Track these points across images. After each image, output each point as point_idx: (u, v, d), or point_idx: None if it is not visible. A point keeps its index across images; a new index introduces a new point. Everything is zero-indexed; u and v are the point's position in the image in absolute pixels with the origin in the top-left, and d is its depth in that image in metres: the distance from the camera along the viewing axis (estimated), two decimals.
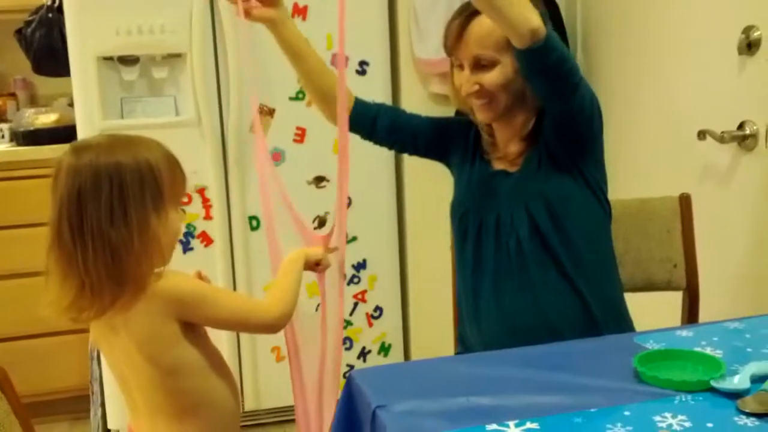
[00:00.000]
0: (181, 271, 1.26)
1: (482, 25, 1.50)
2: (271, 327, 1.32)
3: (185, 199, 1.24)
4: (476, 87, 1.52)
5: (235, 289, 2.56)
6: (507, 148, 1.60)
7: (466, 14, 1.52)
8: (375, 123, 1.71)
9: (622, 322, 1.60)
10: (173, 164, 1.23)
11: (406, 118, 1.73)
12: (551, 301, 1.53)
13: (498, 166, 1.61)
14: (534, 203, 1.52)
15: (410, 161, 2.65)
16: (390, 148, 1.80)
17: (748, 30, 1.89)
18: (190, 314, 1.24)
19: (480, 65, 1.52)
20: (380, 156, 2.64)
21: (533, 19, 1.34)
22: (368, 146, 2.82)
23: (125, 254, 1.15)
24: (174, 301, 1.21)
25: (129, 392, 1.30)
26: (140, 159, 1.19)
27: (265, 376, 2.64)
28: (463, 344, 1.70)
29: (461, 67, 1.55)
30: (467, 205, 1.63)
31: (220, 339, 2.24)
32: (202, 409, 1.28)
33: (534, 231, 1.52)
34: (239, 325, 1.31)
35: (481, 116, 1.58)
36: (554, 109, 1.49)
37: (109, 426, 2.59)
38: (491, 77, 1.51)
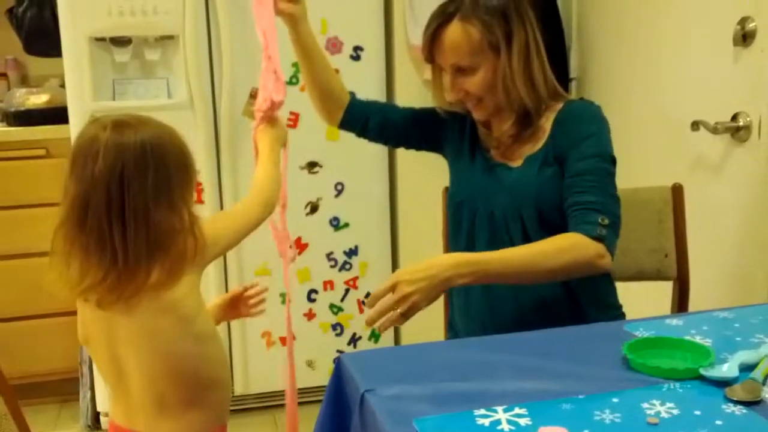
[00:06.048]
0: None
1: (455, 33, 1.50)
2: (264, 215, 1.37)
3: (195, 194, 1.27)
4: (461, 93, 1.54)
5: (225, 278, 2.56)
6: (504, 140, 1.60)
7: (436, 25, 1.52)
8: (366, 124, 1.73)
9: (610, 316, 1.59)
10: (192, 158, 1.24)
11: (398, 116, 1.74)
12: (540, 294, 1.53)
13: (497, 157, 1.61)
14: (527, 211, 1.53)
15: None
16: (384, 144, 1.83)
17: (743, 21, 1.88)
18: (213, 256, 1.26)
19: (461, 70, 1.53)
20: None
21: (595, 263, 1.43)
22: None
23: (167, 232, 1.15)
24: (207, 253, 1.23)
25: (125, 387, 1.25)
26: (178, 142, 1.20)
27: (254, 362, 2.63)
28: (453, 330, 1.70)
29: (444, 71, 1.56)
30: (463, 196, 1.63)
31: None
32: (214, 385, 1.29)
33: (525, 239, 1.53)
34: (248, 233, 1.34)
35: (475, 115, 1.60)
36: None
37: (99, 409, 2.58)
38: (474, 82, 1.52)
